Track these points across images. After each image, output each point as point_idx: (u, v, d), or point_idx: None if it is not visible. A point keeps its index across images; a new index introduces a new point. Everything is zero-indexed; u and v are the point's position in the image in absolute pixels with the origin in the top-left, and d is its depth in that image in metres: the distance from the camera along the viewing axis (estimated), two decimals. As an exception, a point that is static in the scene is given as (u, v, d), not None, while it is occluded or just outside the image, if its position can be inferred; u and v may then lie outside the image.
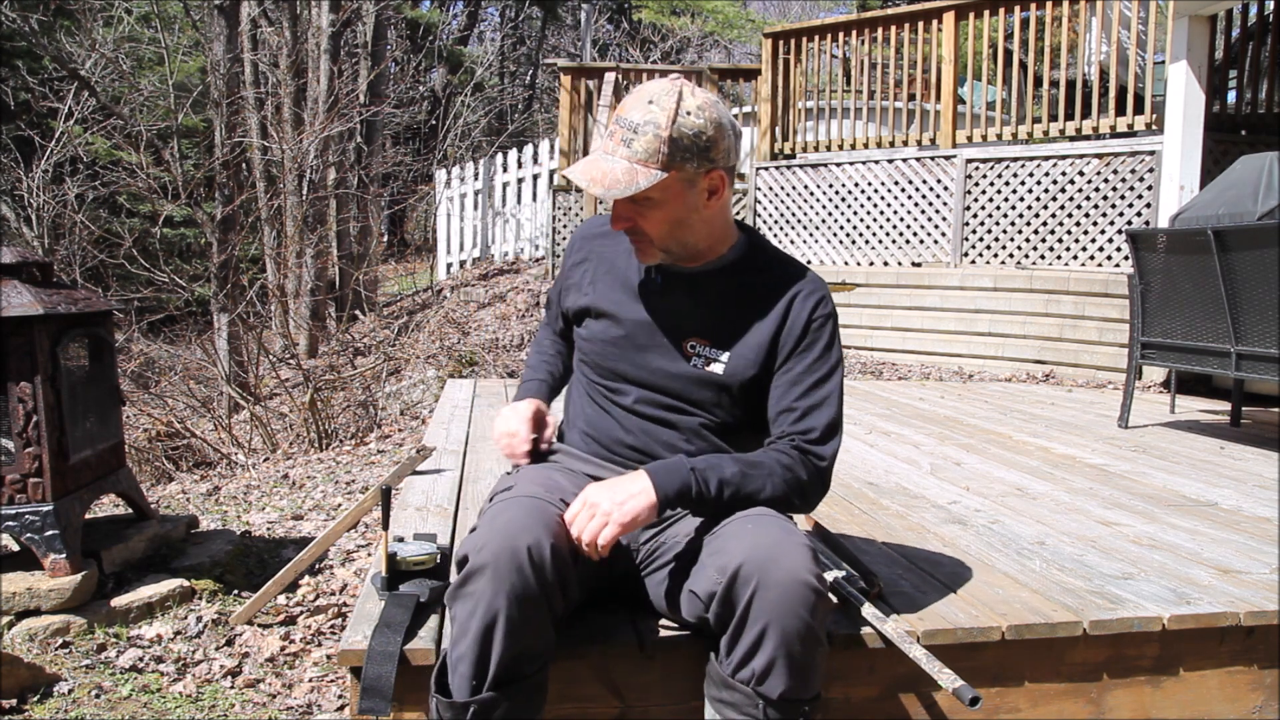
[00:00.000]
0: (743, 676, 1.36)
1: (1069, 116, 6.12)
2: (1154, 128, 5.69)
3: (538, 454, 1.68)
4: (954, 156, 6.49)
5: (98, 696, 2.27)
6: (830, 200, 7.14)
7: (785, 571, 1.33)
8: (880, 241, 6.89)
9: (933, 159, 6.61)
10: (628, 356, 1.63)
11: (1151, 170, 5.61)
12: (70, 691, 2.28)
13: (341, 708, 2.25)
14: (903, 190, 6.76)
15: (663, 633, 1.56)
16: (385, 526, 1.60)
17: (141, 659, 2.43)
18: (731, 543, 1.40)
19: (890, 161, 6.84)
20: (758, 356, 1.58)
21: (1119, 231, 5.77)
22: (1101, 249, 5.89)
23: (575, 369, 1.78)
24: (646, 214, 1.52)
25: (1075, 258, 6.00)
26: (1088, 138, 6.26)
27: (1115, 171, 5.79)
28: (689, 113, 1.45)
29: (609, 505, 1.40)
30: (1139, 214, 5.70)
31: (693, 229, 1.55)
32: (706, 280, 1.61)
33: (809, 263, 7.24)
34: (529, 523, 1.37)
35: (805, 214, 7.31)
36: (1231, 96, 6.61)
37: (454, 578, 1.38)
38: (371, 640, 1.48)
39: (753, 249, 1.64)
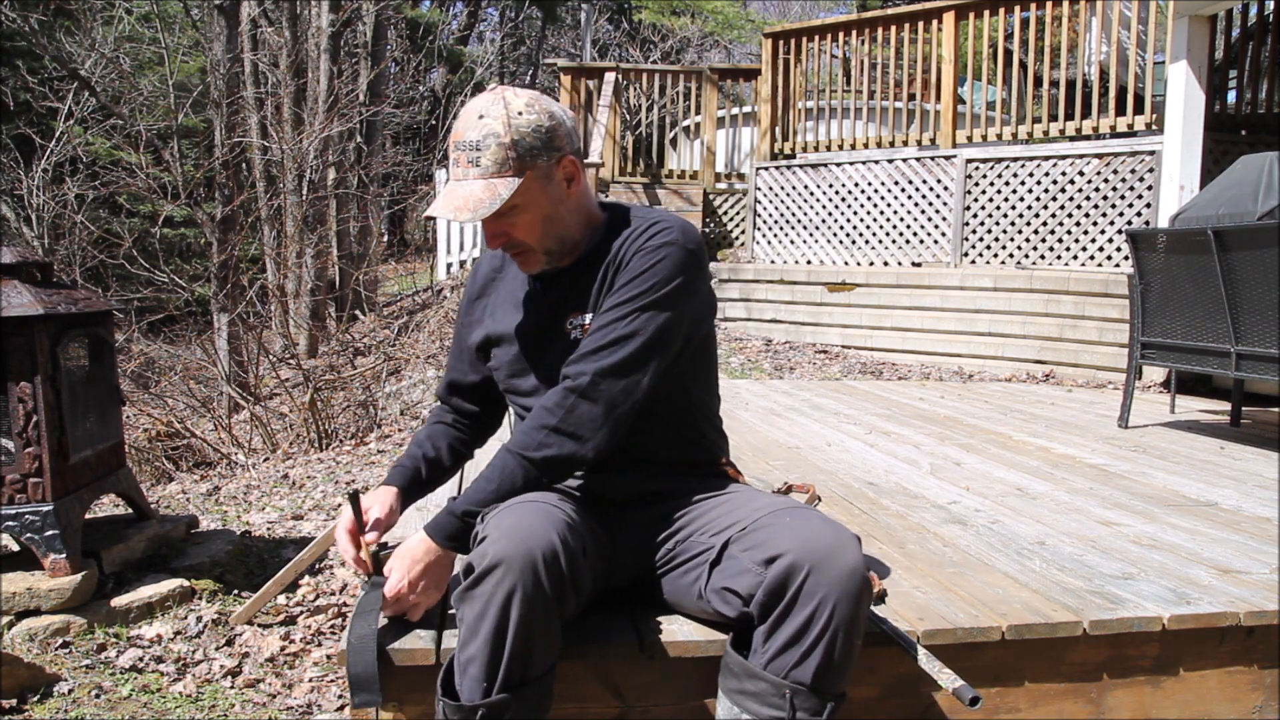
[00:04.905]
0: (776, 666, 1.34)
1: (1069, 116, 6.12)
2: (1154, 128, 5.69)
3: (375, 558, 1.57)
4: (954, 156, 6.49)
5: (98, 696, 2.27)
6: (830, 200, 7.14)
7: (843, 562, 1.33)
8: (880, 241, 6.89)
9: (933, 159, 6.61)
10: (530, 366, 1.64)
11: (1151, 170, 5.61)
12: (70, 691, 2.28)
13: (341, 707, 2.25)
14: (903, 190, 6.76)
15: (663, 633, 1.56)
16: (362, 531, 1.60)
17: (141, 659, 2.43)
18: (774, 536, 1.39)
19: (890, 161, 6.84)
20: (599, 305, 1.56)
21: (1119, 231, 5.77)
22: (1101, 249, 5.89)
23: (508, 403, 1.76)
24: (516, 222, 1.52)
25: (1075, 258, 6.00)
26: (1088, 138, 6.26)
27: (1115, 171, 5.79)
28: (520, 112, 1.48)
29: (405, 580, 1.48)
30: (1139, 214, 5.70)
31: (564, 221, 1.56)
32: (583, 268, 1.60)
33: (809, 263, 7.25)
34: (539, 523, 1.36)
35: (805, 214, 7.30)
36: (1231, 96, 6.62)
37: (461, 580, 1.36)
38: (350, 633, 1.46)
39: (614, 219, 1.62)
